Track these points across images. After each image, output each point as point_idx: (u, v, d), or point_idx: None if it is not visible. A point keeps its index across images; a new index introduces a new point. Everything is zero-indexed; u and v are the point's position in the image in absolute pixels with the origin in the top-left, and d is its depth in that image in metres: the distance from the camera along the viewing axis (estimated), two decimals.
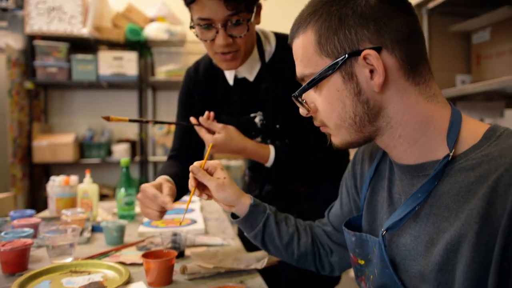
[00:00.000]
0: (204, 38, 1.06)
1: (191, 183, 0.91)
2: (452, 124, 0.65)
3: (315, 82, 0.66)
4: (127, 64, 3.44)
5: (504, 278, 0.54)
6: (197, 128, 1.14)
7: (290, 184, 1.31)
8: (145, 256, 0.93)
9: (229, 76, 1.22)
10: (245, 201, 0.92)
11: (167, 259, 0.91)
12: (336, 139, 0.72)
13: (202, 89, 1.27)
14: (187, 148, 1.28)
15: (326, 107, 0.68)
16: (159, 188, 0.97)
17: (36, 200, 3.44)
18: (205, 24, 1.03)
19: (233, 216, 0.95)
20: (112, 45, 3.56)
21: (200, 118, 1.13)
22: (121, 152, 3.52)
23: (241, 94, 1.23)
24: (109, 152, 3.59)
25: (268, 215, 0.93)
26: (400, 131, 0.66)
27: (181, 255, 1.11)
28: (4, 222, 1.43)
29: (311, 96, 0.71)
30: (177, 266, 0.99)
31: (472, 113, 2.17)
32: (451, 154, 0.62)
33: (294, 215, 1.28)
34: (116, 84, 3.56)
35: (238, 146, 1.13)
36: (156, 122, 1.15)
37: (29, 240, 1.03)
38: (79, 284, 0.91)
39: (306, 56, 0.68)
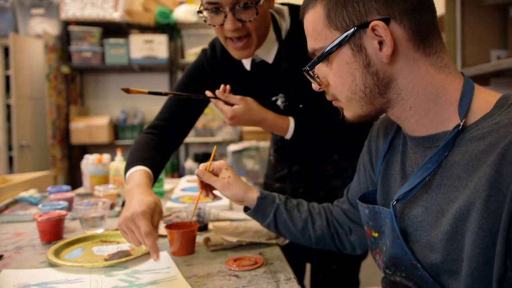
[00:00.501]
0: (213, 23, 1.03)
1: (199, 186, 0.97)
2: (464, 94, 0.64)
3: (325, 55, 0.67)
4: (158, 47, 3.51)
5: None
6: (214, 101, 1.12)
7: (317, 164, 1.31)
8: (168, 227, 0.97)
9: (246, 61, 1.19)
10: (253, 195, 0.96)
11: (189, 230, 0.96)
12: (348, 113, 0.72)
13: (220, 71, 1.22)
14: (174, 120, 1.21)
15: (337, 80, 0.69)
16: (152, 213, 0.86)
17: (74, 179, 3.61)
18: (213, 8, 1.00)
19: (245, 209, 1.00)
20: (143, 28, 3.63)
21: (217, 91, 1.12)
22: None
23: (260, 79, 1.20)
24: None
25: (277, 205, 0.96)
26: (411, 103, 0.66)
27: (204, 228, 1.15)
28: (43, 197, 1.53)
29: (322, 70, 0.71)
30: (201, 239, 1.03)
31: (509, 90, 2.09)
32: (461, 124, 0.62)
33: (321, 192, 1.30)
34: (147, 67, 3.64)
35: (257, 117, 1.12)
36: (175, 95, 1.14)
37: (63, 212, 1.10)
38: (108, 252, 0.97)
39: (316, 31, 0.68)
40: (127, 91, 0.94)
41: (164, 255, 0.94)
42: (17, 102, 3.27)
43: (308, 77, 0.72)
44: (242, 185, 0.97)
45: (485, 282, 0.57)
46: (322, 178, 1.30)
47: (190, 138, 3.74)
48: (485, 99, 0.63)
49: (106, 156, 1.72)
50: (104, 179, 1.68)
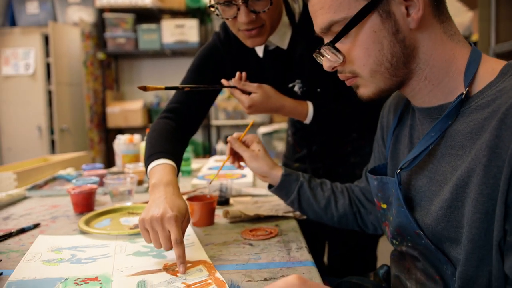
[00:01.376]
0: (226, 16, 0.99)
1: (228, 152, 1.01)
2: (470, 63, 0.64)
3: (352, 24, 0.63)
4: (189, 31, 3.57)
5: (511, 209, 0.55)
6: (231, 90, 1.10)
7: (336, 143, 1.32)
8: (190, 199, 1.03)
9: (258, 48, 1.15)
10: (277, 172, 1.00)
11: (208, 201, 1.00)
12: (368, 89, 0.69)
13: (234, 54, 1.18)
14: (190, 103, 1.15)
15: (361, 52, 0.65)
16: (182, 219, 0.80)
17: (111, 160, 3.77)
18: (225, 1, 0.95)
19: (269, 186, 1.04)
20: (174, 13, 3.69)
21: (233, 80, 1.10)
22: None
23: (274, 65, 1.17)
24: None
25: (301, 183, 0.99)
26: (427, 72, 0.66)
27: (226, 202, 1.19)
28: (79, 175, 1.63)
29: (339, 46, 0.67)
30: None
31: None
32: (464, 92, 0.62)
33: (340, 169, 1.31)
34: (179, 52, 3.71)
35: (275, 104, 1.10)
36: (192, 88, 1.09)
37: (94, 186, 1.18)
38: (133, 222, 1.03)
39: (337, 0, 0.64)
40: (144, 89, 0.94)
41: None
42: (57, 88, 3.44)
43: (328, 54, 0.68)
44: (269, 160, 1.01)
45: (485, 247, 0.58)
46: (341, 156, 1.31)
47: (221, 121, 3.81)
48: (491, 68, 0.63)
49: (136, 136, 1.80)
50: (135, 158, 1.76)
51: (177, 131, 1.10)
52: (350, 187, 1.03)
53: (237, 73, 1.10)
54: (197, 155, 3.83)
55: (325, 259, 1.49)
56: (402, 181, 0.74)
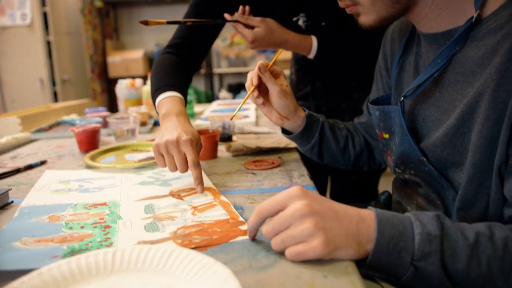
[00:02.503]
0: None
1: (254, 81, 0.82)
2: None
3: None
4: None
5: None
6: (233, 24, 1.09)
7: (340, 79, 1.31)
8: None
9: None
10: (301, 113, 0.88)
11: (211, 135, 1.01)
12: (369, 17, 0.67)
13: None
14: (192, 37, 1.12)
15: None
16: (196, 143, 0.82)
17: (114, 110, 3.78)
18: None
19: (284, 131, 0.93)
20: None
21: (236, 14, 1.08)
22: None
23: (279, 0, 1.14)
24: None
25: (322, 123, 0.92)
26: None
27: (229, 139, 1.21)
28: (82, 118, 1.64)
29: None
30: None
31: None
32: (475, 15, 0.59)
33: (343, 106, 1.30)
34: None
35: (279, 39, 1.09)
36: (194, 22, 1.06)
37: (98, 125, 1.18)
38: (138, 158, 1.05)
39: None
40: (146, 23, 0.92)
41: None
42: (56, 38, 3.37)
43: None
44: (294, 100, 0.88)
45: (487, 172, 0.58)
46: (344, 92, 1.30)
47: (223, 69, 3.77)
48: None
49: (138, 81, 1.79)
50: (138, 102, 1.76)
51: (181, 65, 1.09)
52: (355, 125, 1.01)
53: (240, 7, 1.08)
54: (200, 103, 3.82)
55: (328, 196, 1.52)
56: (408, 111, 0.73)
